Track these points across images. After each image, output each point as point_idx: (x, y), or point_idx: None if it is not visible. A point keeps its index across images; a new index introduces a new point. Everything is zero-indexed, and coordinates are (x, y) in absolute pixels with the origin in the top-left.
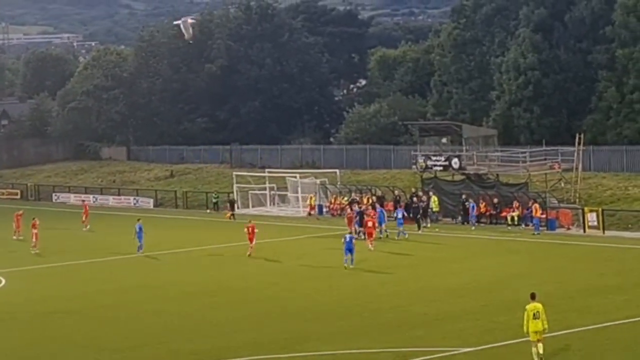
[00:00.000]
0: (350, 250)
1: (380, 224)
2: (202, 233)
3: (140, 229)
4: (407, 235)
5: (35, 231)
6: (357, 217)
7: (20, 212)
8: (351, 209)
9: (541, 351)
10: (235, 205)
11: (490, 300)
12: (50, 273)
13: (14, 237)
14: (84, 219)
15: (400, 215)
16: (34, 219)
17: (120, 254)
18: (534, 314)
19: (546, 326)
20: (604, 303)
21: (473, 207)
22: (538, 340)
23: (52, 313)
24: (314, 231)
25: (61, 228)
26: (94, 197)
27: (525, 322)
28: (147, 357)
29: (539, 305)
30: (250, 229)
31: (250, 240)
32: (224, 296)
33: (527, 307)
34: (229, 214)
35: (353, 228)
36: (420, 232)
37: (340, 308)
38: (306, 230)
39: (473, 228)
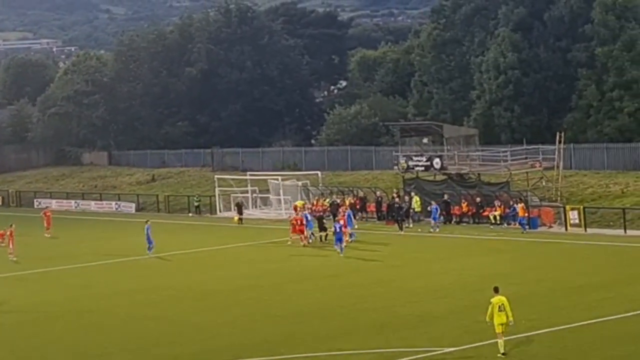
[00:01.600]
0: (340, 239)
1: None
2: (185, 237)
3: (148, 229)
4: (353, 238)
5: (11, 238)
6: (307, 220)
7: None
8: (296, 212)
9: (502, 349)
10: (243, 208)
11: (474, 300)
12: (33, 279)
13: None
14: (46, 226)
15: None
16: (11, 225)
17: (104, 259)
18: (499, 307)
19: (511, 319)
20: (587, 301)
21: (436, 209)
22: (502, 333)
23: (36, 320)
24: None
25: (40, 234)
26: (75, 202)
27: (489, 314)
28: None
29: (503, 299)
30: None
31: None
32: (208, 300)
33: (493, 300)
34: (237, 218)
35: (307, 232)
36: (402, 232)
37: (325, 310)
38: (289, 232)
39: (432, 230)
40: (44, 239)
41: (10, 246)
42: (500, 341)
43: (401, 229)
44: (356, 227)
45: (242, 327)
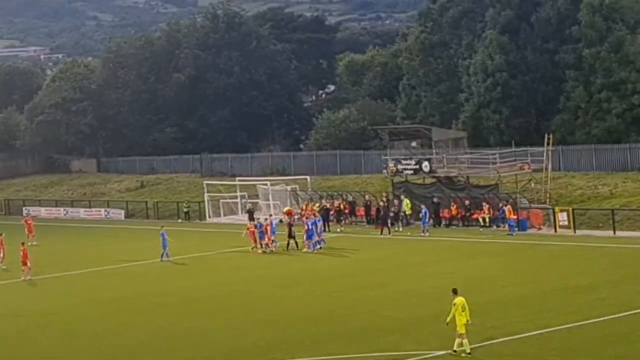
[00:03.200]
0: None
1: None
2: (175, 243)
3: (164, 236)
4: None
5: (0, 247)
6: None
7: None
8: (289, 217)
9: (467, 349)
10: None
11: None
12: (22, 287)
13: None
14: (28, 234)
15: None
16: (0, 234)
17: (93, 266)
18: (462, 307)
19: (469, 319)
20: (577, 302)
21: (425, 212)
22: (465, 332)
23: (26, 328)
24: (285, 238)
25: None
26: (64, 209)
27: (452, 315)
28: None
29: (463, 300)
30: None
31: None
32: (198, 305)
33: (456, 301)
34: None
35: (268, 238)
36: (389, 235)
37: (314, 314)
38: (277, 237)
39: (423, 233)
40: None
41: (1, 254)
42: (465, 341)
43: (389, 232)
44: (323, 236)
45: (233, 332)
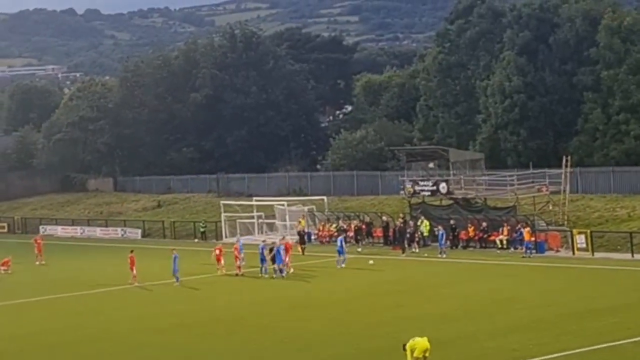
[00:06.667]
0: (340, 252)
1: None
2: (191, 263)
3: (176, 258)
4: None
5: None
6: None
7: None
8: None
9: None
10: (306, 238)
11: (481, 325)
12: (37, 306)
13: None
14: (37, 253)
15: (339, 244)
16: None
17: (110, 285)
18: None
19: None
20: (596, 325)
21: (442, 234)
22: None
23: (41, 347)
24: (302, 259)
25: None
26: (81, 228)
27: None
28: None
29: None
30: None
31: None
32: (213, 326)
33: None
34: (300, 248)
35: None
36: (403, 255)
37: (330, 336)
38: (294, 258)
39: (440, 255)
40: (40, 267)
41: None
42: None
43: (403, 252)
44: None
45: (248, 353)
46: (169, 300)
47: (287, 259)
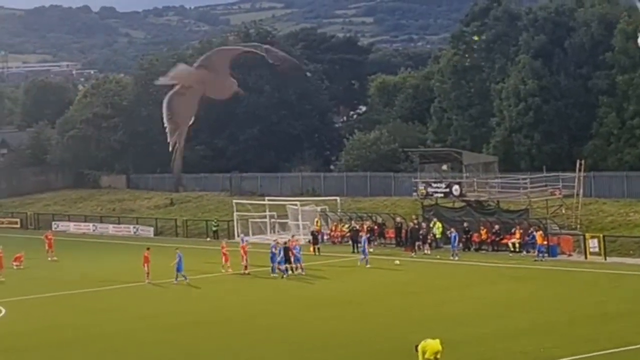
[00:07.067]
0: (364, 251)
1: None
2: (204, 261)
3: (180, 258)
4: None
5: None
6: (281, 254)
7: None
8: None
9: None
10: (319, 238)
11: (492, 327)
12: (49, 302)
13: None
14: (48, 249)
15: (363, 244)
16: None
17: (122, 282)
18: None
19: None
20: (608, 329)
21: (455, 237)
22: None
23: (53, 343)
24: (315, 259)
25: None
26: (93, 225)
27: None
28: None
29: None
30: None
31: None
32: (226, 325)
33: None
34: (312, 248)
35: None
36: (413, 255)
37: (341, 337)
38: (306, 258)
39: (453, 257)
40: (52, 263)
41: None
42: None
43: (413, 252)
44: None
45: (260, 353)
46: (181, 298)
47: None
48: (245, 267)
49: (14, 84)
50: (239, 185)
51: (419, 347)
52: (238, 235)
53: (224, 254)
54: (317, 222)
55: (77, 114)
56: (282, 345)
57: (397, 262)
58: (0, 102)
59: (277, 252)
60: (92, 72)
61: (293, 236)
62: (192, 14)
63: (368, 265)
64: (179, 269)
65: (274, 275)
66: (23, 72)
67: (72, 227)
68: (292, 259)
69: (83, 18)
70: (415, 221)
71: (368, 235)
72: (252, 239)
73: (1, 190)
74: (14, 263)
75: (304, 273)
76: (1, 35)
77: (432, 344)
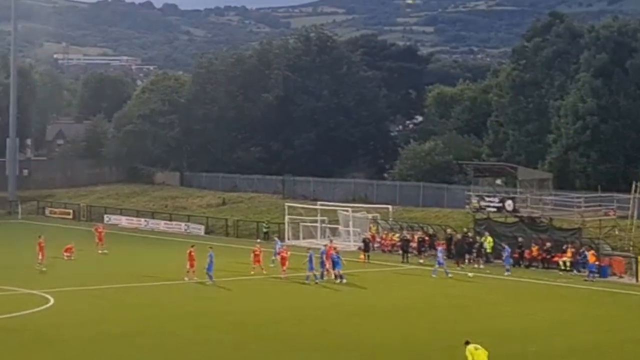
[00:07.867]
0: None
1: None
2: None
3: (212, 258)
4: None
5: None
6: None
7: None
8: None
9: None
10: (370, 245)
11: (539, 345)
12: (98, 295)
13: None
14: (98, 242)
15: (440, 255)
16: (39, 236)
17: (171, 279)
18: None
19: None
20: None
21: (508, 251)
22: None
23: (99, 336)
24: (363, 266)
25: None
26: (145, 220)
27: None
28: None
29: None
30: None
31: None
32: (271, 328)
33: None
34: (362, 256)
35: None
36: (458, 268)
37: (386, 347)
38: (356, 265)
39: (506, 273)
40: (102, 256)
41: (40, 257)
42: None
43: (458, 265)
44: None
45: (304, 358)
46: (227, 297)
47: (327, 264)
48: (284, 272)
49: (73, 76)
50: (292, 189)
51: (468, 350)
52: (288, 239)
53: (256, 255)
54: (371, 228)
55: (134, 109)
56: (330, 351)
57: (470, 274)
58: (59, 93)
59: (325, 258)
60: (151, 68)
61: (331, 241)
62: (253, 15)
63: (450, 275)
64: (208, 269)
65: (319, 281)
66: (83, 64)
67: (124, 221)
68: (327, 265)
69: (145, 14)
70: (462, 234)
71: (440, 248)
72: (302, 242)
73: (55, 180)
74: (65, 254)
75: (344, 281)
76: (63, 27)
77: (480, 354)
